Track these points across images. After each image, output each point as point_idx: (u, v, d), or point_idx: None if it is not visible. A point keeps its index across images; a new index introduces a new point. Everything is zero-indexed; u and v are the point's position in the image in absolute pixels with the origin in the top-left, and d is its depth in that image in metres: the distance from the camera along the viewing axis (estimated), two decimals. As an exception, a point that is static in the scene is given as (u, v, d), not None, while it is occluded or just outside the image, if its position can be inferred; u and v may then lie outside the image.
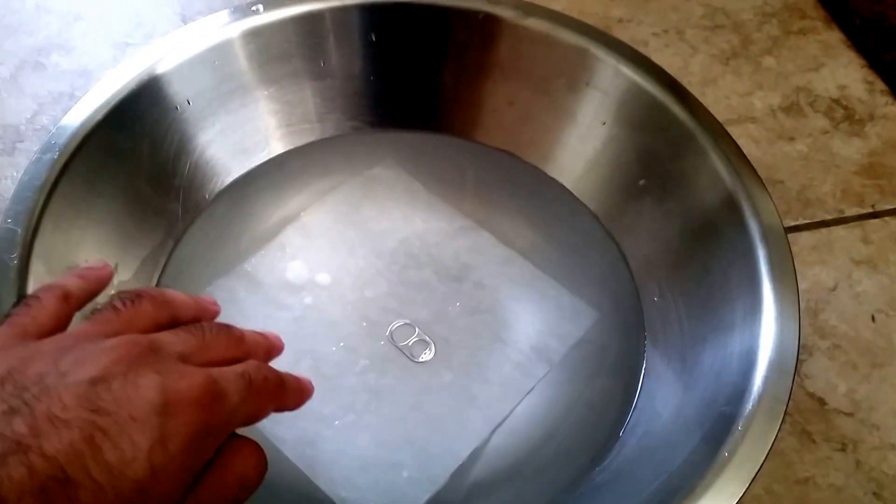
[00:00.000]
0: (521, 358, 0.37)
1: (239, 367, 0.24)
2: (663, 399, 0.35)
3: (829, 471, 0.36)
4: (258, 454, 0.24)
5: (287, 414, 0.27)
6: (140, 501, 0.19)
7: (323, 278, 0.39)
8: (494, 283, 0.40)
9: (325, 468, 0.33)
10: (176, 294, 0.26)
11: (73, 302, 0.25)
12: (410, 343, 0.38)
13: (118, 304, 0.24)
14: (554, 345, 0.38)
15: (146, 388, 0.20)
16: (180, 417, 0.20)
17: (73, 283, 0.26)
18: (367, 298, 0.39)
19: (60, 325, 0.24)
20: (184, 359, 0.23)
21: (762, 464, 0.28)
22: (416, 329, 0.38)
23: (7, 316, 0.23)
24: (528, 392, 0.37)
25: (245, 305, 0.38)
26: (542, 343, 0.38)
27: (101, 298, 0.27)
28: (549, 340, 0.38)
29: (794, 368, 0.30)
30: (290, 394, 0.26)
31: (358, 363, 0.36)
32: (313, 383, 0.29)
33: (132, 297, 0.24)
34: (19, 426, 0.19)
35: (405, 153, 0.44)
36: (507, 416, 0.36)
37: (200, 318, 0.26)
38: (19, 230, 0.32)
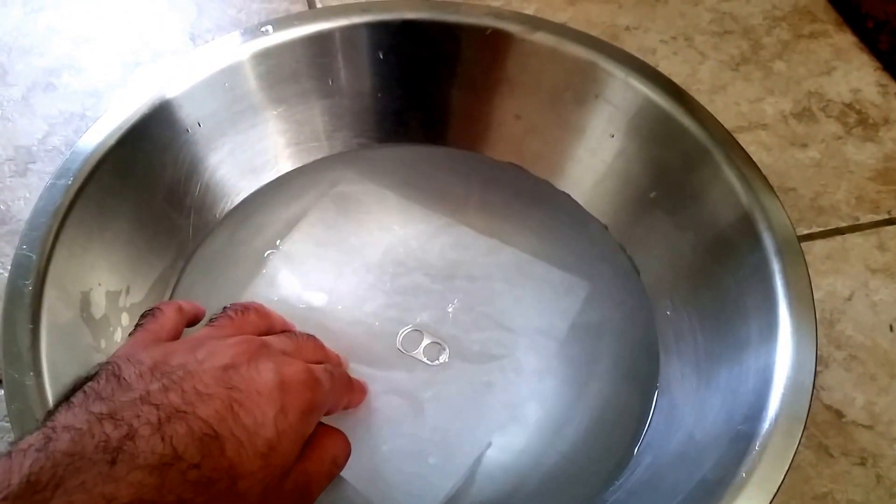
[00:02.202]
0: (527, 341, 0.38)
1: (322, 365, 0.30)
2: (678, 416, 0.34)
3: (848, 486, 0.36)
4: (345, 439, 0.30)
5: None
6: (269, 455, 0.25)
7: (319, 301, 0.39)
8: (485, 273, 0.40)
9: (350, 462, 0.34)
10: (272, 310, 0.33)
11: (185, 315, 0.31)
12: (422, 349, 0.38)
13: (231, 313, 0.30)
14: (556, 321, 0.39)
15: (266, 371, 0.26)
16: (293, 394, 0.26)
17: (183, 303, 0.32)
18: (367, 313, 0.39)
19: (179, 331, 0.30)
20: (286, 355, 0.29)
21: (780, 484, 0.28)
22: (424, 333, 0.38)
23: (139, 325, 0.29)
24: (542, 373, 0.37)
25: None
26: (544, 323, 0.39)
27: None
28: (551, 318, 0.39)
29: (811, 387, 0.30)
30: (356, 392, 0.34)
31: (375, 377, 0.37)
32: None
33: (241, 309, 0.31)
34: (174, 398, 0.24)
35: (411, 167, 0.44)
36: (525, 401, 0.36)
37: (288, 330, 0.33)
38: (34, 256, 0.33)
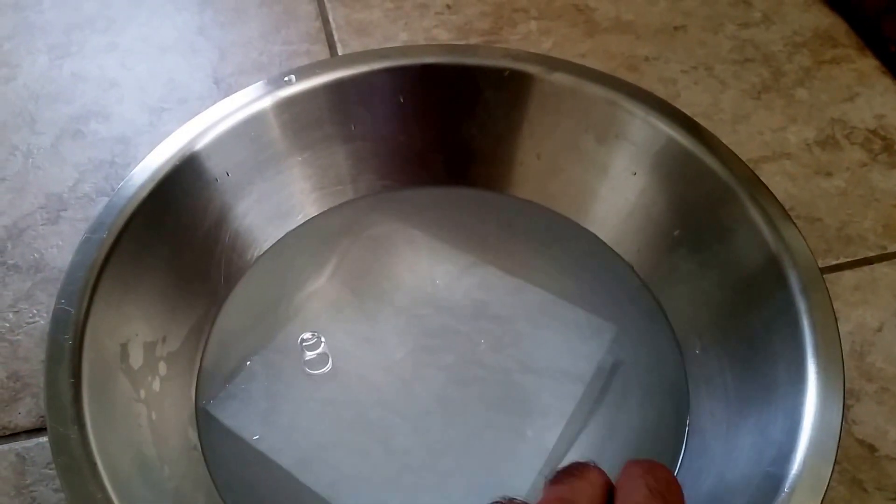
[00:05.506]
0: (554, 384, 0.38)
1: None
2: (709, 457, 0.35)
3: (883, 522, 0.36)
4: None
5: (354, 482, 0.34)
6: None
7: (353, 350, 0.40)
8: (511, 314, 0.41)
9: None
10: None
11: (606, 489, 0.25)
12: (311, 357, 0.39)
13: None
14: (582, 364, 0.39)
15: None
16: None
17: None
18: (398, 360, 0.39)
19: None
20: None
21: (810, 529, 0.28)
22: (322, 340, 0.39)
23: (556, 479, 0.25)
24: (571, 415, 0.37)
25: (288, 376, 0.39)
26: (570, 365, 0.39)
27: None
28: (577, 361, 0.39)
29: (839, 429, 0.30)
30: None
31: (406, 423, 0.37)
32: (371, 450, 0.36)
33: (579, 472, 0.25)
34: None
35: (436, 208, 0.45)
36: (558, 446, 0.36)
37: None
38: (72, 310, 0.33)
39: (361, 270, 0.43)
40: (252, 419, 0.37)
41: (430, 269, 0.43)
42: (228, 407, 0.37)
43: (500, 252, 0.43)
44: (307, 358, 0.39)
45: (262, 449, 0.36)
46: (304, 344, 0.39)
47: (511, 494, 0.25)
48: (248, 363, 0.39)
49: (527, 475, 0.35)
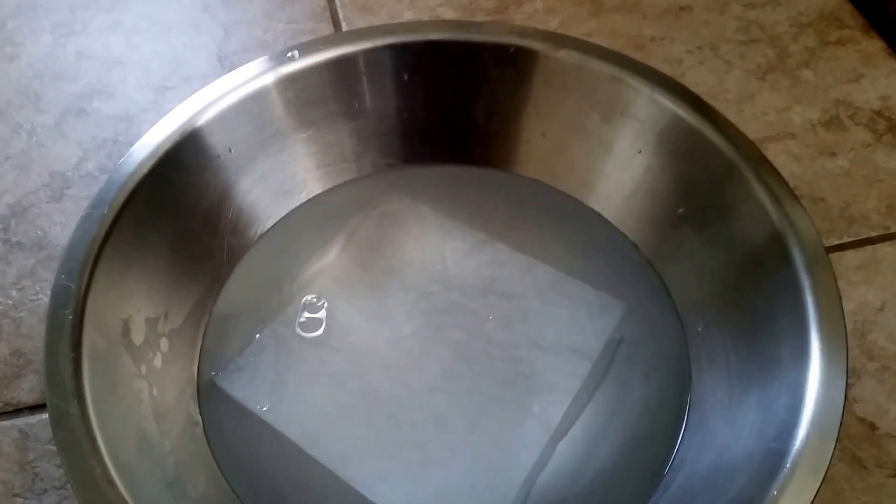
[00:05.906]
0: (561, 360, 0.38)
1: None
2: (711, 434, 0.35)
3: (883, 498, 0.36)
4: None
5: (361, 455, 0.34)
6: None
7: (362, 324, 0.40)
8: (520, 290, 0.41)
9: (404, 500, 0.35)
10: None
11: None
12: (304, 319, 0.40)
13: None
14: (589, 341, 0.39)
15: None
16: None
17: None
18: (406, 336, 0.39)
19: None
20: None
21: (812, 502, 0.28)
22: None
23: None
24: (577, 392, 0.37)
25: (296, 349, 0.39)
26: (578, 342, 0.39)
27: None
28: (585, 338, 0.39)
29: (842, 405, 0.30)
30: None
31: (414, 397, 0.37)
32: (379, 424, 0.36)
33: None
34: None
35: (439, 187, 0.44)
36: (563, 422, 0.37)
37: None
38: (73, 286, 0.33)
39: (371, 246, 0.43)
40: (260, 391, 0.37)
41: (440, 246, 0.43)
42: (237, 379, 0.38)
43: (509, 229, 0.43)
44: (302, 319, 0.39)
45: (269, 421, 0.36)
46: (306, 306, 0.40)
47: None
48: (258, 336, 0.39)
49: (532, 450, 0.36)
